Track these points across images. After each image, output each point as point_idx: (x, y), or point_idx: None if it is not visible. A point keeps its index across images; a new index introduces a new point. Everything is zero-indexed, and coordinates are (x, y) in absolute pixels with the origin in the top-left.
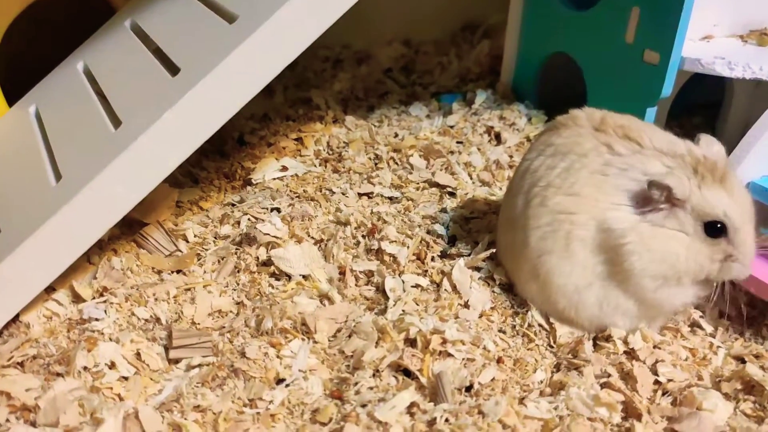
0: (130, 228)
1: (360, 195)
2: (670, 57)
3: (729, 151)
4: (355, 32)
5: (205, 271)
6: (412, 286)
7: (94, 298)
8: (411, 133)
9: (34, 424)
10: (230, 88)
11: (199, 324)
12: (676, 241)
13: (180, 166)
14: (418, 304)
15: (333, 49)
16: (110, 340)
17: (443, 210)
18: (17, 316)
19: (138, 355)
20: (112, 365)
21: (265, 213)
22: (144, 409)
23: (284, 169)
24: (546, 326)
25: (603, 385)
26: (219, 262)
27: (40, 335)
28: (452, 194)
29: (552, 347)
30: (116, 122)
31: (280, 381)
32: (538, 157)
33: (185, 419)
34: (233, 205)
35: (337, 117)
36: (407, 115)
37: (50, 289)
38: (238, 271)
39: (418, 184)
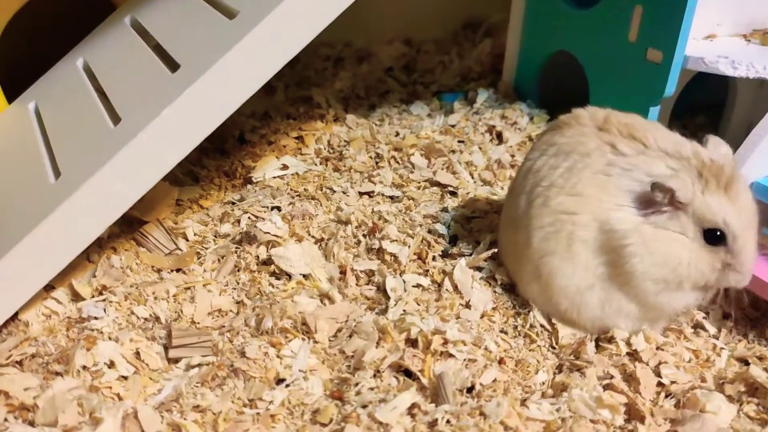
0: (129, 226)
1: (361, 194)
2: (673, 56)
3: (733, 150)
4: (356, 30)
5: (205, 270)
6: (413, 286)
7: (93, 296)
8: (412, 132)
9: (32, 424)
10: (230, 85)
11: (198, 323)
12: (678, 245)
13: (180, 164)
14: (419, 304)
15: (334, 48)
16: (109, 339)
17: (444, 209)
18: (16, 315)
19: (137, 354)
20: (111, 364)
21: (265, 211)
22: (143, 408)
23: (285, 167)
24: (548, 327)
25: (605, 387)
26: (219, 260)
27: (38, 334)
28: (453, 193)
29: (554, 348)
30: (116, 119)
31: (280, 381)
32: (541, 157)
33: (185, 419)
34: (233, 203)
35: (338, 115)
36: (408, 114)
37: (49, 288)
38: (238, 270)
39: (419, 183)
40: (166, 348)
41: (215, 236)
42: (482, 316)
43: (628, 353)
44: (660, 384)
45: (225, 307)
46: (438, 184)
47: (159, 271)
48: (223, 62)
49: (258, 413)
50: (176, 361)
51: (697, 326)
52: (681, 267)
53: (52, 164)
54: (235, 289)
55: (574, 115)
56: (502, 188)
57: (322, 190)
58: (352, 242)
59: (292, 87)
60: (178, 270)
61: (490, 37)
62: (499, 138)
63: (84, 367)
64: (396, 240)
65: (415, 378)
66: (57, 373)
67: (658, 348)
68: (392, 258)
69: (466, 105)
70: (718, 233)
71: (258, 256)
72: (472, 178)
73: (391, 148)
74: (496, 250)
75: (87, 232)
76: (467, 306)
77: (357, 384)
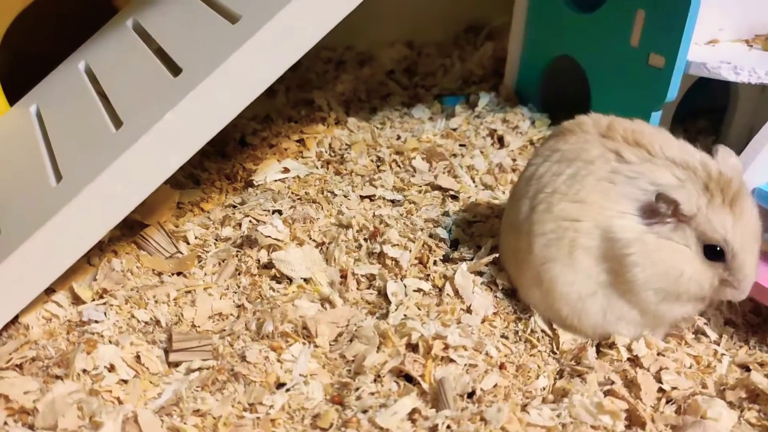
0: (130, 229)
1: (362, 198)
2: (675, 61)
3: None
4: (357, 34)
5: (205, 274)
6: (414, 291)
7: (93, 300)
8: (413, 135)
9: (32, 428)
10: (232, 90)
11: (199, 327)
12: (681, 257)
13: (181, 167)
14: (420, 309)
15: (335, 51)
16: (110, 342)
17: (446, 213)
18: (16, 318)
19: (138, 357)
20: (111, 368)
21: (266, 215)
22: (143, 412)
23: (286, 170)
24: (549, 332)
25: (606, 393)
26: (220, 264)
27: (39, 337)
28: (455, 197)
29: (555, 353)
30: (117, 122)
31: (280, 385)
32: (544, 163)
33: (185, 423)
34: (234, 206)
35: (340, 119)
36: (410, 118)
37: (50, 291)
38: (239, 274)
39: (420, 187)
40: (166, 352)
41: (216, 240)
42: (483, 321)
43: (629, 359)
44: (661, 390)
45: (225, 310)
46: (439, 188)
47: (160, 274)
48: (225, 67)
49: (258, 417)
50: (176, 364)
51: (698, 332)
52: (682, 279)
53: (53, 167)
54: (235, 292)
55: (577, 121)
56: (504, 192)
57: (323, 193)
58: (353, 246)
59: (294, 90)
60: (178, 273)
61: (492, 41)
62: (501, 142)
63: (84, 371)
64: (397, 244)
65: (416, 383)
66: (57, 377)
67: (659, 354)
68: (393, 262)
69: (467, 108)
70: (718, 249)
71: (259, 260)
72: (474, 182)
73: (393, 152)
74: (497, 255)
75: (88, 236)
76: (468, 311)
77: (357, 389)
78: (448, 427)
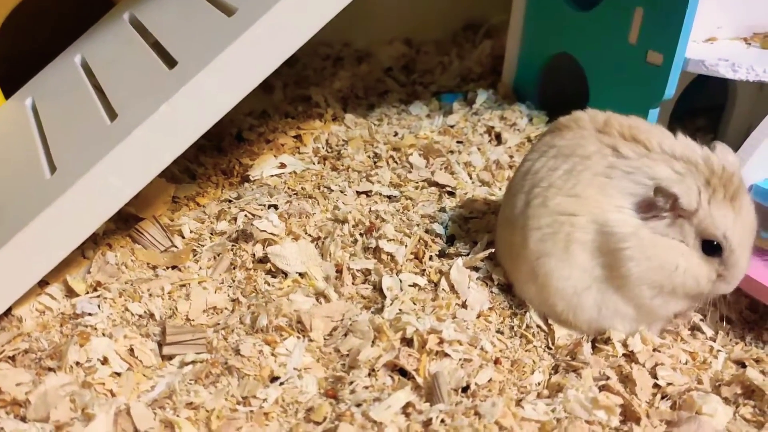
0: (125, 223)
1: (358, 193)
2: (673, 58)
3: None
4: (356, 30)
5: (200, 267)
6: (410, 285)
7: (87, 292)
8: (411, 132)
9: (24, 419)
10: (227, 82)
11: (193, 320)
12: (676, 252)
13: (177, 161)
14: (415, 304)
15: (333, 47)
16: (103, 335)
17: (442, 209)
18: (9, 310)
19: (131, 350)
20: (104, 361)
21: (262, 210)
22: (136, 405)
23: (282, 166)
24: (544, 327)
25: (601, 388)
26: (215, 258)
27: (32, 329)
28: (451, 194)
29: (550, 349)
30: (112, 115)
31: (274, 379)
32: (540, 158)
33: (178, 416)
34: (230, 201)
35: (337, 115)
36: (407, 114)
37: (43, 283)
38: (234, 268)
39: (417, 183)
40: (160, 345)
41: (211, 234)
42: (478, 316)
43: (624, 354)
44: (656, 385)
45: (220, 304)
46: (436, 184)
47: (154, 268)
48: (220, 59)
49: (251, 411)
50: (170, 358)
51: (694, 328)
52: (677, 274)
53: (48, 160)
54: (230, 286)
55: (573, 117)
56: (500, 189)
57: (319, 189)
58: (349, 241)
59: (291, 86)
60: (173, 267)
61: (491, 39)
62: (498, 139)
63: (77, 363)
64: (393, 239)
65: (410, 377)
66: (50, 369)
67: (654, 349)
68: (389, 257)
69: (465, 106)
70: (716, 244)
71: (254, 254)
72: (471, 178)
73: (390, 148)
74: (493, 251)
75: (82, 228)
76: (463, 306)
77: (351, 383)
78: (442, 421)
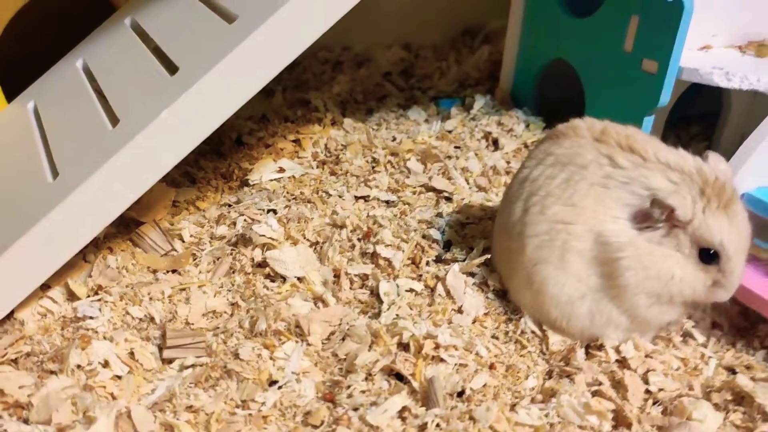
0: (126, 227)
1: (356, 198)
2: (668, 66)
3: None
4: (355, 34)
5: (200, 272)
6: (407, 291)
7: (88, 296)
8: (409, 136)
9: (26, 422)
10: (228, 89)
11: (193, 324)
12: (672, 261)
13: (177, 165)
14: (411, 309)
15: (333, 51)
16: (104, 338)
17: (439, 215)
18: (11, 313)
19: (132, 354)
20: (105, 364)
21: (261, 214)
22: (136, 408)
23: (281, 170)
24: (539, 333)
25: (594, 394)
26: (214, 262)
27: (34, 332)
28: (449, 199)
29: (544, 354)
30: (114, 120)
31: (273, 383)
32: (538, 166)
33: (177, 419)
34: (230, 205)
35: (336, 119)
36: (405, 119)
37: (45, 287)
38: (233, 272)
39: (414, 188)
40: (160, 348)
41: (211, 238)
42: (474, 322)
43: (617, 360)
44: (648, 391)
45: (219, 308)
46: (433, 189)
47: (155, 271)
48: (221, 66)
49: (250, 414)
50: (170, 361)
51: (686, 335)
52: (673, 282)
53: (50, 163)
54: (229, 290)
55: (571, 125)
56: (497, 195)
57: (318, 193)
58: (347, 246)
59: (290, 90)
60: (173, 271)
61: (488, 44)
62: (495, 144)
63: (78, 366)
64: (390, 244)
65: (407, 382)
66: (51, 372)
67: (646, 356)
68: (386, 262)
69: (463, 111)
70: (712, 252)
71: (253, 259)
72: (468, 184)
73: (388, 153)
74: (489, 257)
75: (84, 233)
76: (459, 311)
77: (349, 387)
78: (438, 425)
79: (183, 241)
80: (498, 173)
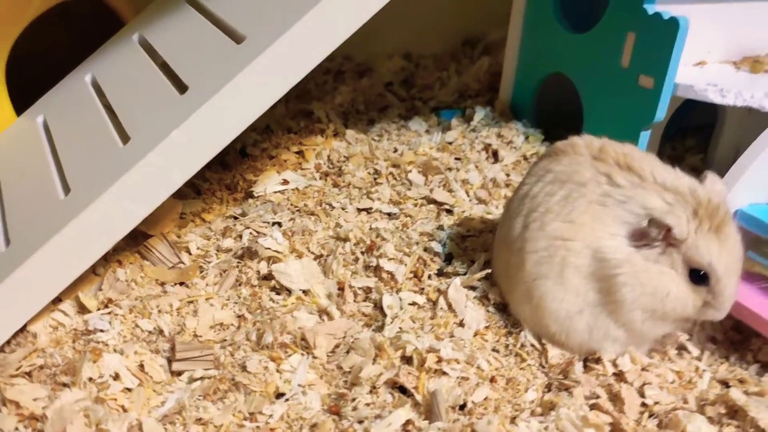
0: (134, 240)
1: (359, 210)
2: (663, 82)
3: (720, 176)
4: (356, 44)
5: (207, 284)
6: (409, 304)
7: (99, 309)
8: (410, 148)
9: None
10: (236, 109)
11: (201, 336)
12: (667, 278)
13: None
14: (414, 322)
15: (334, 61)
16: (114, 351)
17: (440, 227)
18: (24, 326)
19: (141, 366)
20: (116, 376)
21: (266, 227)
22: (147, 421)
23: (285, 182)
24: (538, 346)
25: (592, 407)
26: (221, 275)
27: (46, 345)
28: (449, 211)
29: (544, 367)
30: (125, 138)
31: (279, 395)
32: (537, 183)
33: None
34: (235, 218)
35: (338, 130)
36: (407, 130)
37: (56, 300)
38: (240, 285)
39: (416, 200)
40: (169, 361)
41: (217, 251)
42: (475, 335)
43: (614, 374)
44: (644, 404)
45: (226, 321)
46: (434, 201)
47: (163, 284)
48: (229, 87)
49: (258, 426)
50: (179, 373)
51: (681, 348)
52: (668, 300)
53: (61, 180)
54: (236, 303)
55: (570, 143)
56: (497, 207)
57: (321, 205)
58: (351, 259)
59: (293, 100)
60: (181, 283)
61: (488, 55)
62: (495, 156)
63: (90, 379)
64: (393, 258)
65: (410, 395)
66: (64, 385)
67: (642, 369)
68: (389, 276)
69: (463, 122)
70: (702, 273)
71: (259, 271)
72: (468, 196)
73: (390, 165)
74: (489, 270)
75: (95, 249)
76: (461, 324)
77: (354, 399)
78: None
79: (190, 254)
80: (498, 186)
